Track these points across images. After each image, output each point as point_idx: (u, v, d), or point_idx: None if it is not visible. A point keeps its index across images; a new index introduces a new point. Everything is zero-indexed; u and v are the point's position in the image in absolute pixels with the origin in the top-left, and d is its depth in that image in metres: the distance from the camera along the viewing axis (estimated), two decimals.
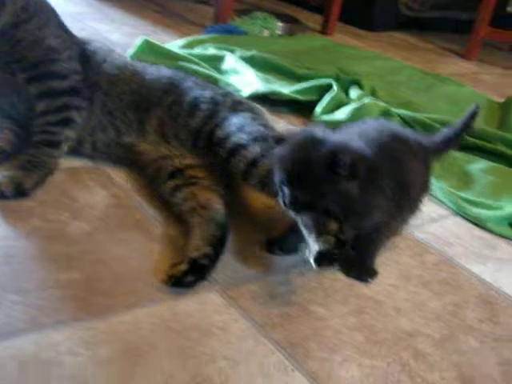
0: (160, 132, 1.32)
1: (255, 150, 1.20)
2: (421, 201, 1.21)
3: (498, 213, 1.43)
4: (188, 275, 1.02)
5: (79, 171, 1.31)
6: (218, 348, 0.91)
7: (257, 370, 0.88)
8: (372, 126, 1.18)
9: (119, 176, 1.32)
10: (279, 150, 1.02)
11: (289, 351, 0.93)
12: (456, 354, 0.99)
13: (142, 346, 0.88)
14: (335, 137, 1.04)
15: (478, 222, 1.42)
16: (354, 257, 1.15)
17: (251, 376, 0.87)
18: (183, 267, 1.02)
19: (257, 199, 1.30)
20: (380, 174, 1.04)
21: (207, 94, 1.35)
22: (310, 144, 1.00)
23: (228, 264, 1.10)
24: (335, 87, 1.92)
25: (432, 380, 0.93)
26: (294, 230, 1.11)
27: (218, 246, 1.09)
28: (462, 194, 1.50)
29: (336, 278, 1.13)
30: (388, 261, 1.21)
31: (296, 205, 0.99)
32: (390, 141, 1.12)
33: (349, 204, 1.01)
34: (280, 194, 1.01)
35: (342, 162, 0.96)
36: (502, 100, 2.42)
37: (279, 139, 1.05)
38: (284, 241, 1.16)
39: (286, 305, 1.03)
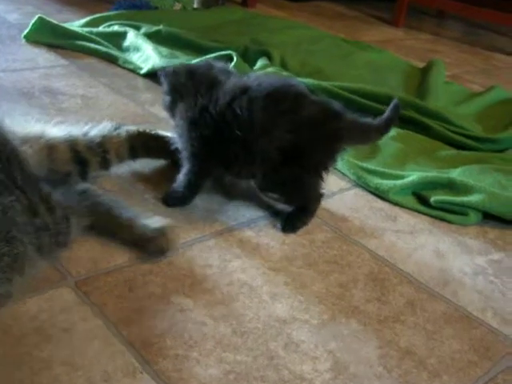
0: None
1: None
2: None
3: (399, 182, 1.34)
4: None
5: None
6: (57, 353, 0.80)
7: (99, 374, 0.78)
8: None
9: None
10: None
11: (140, 351, 0.83)
12: (334, 340, 0.90)
13: None
14: None
15: (378, 193, 1.33)
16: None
17: (90, 383, 0.77)
18: None
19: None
20: None
21: None
22: None
23: (86, 254, 0.99)
24: (235, 58, 1.82)
25: (300, 372, 0.84)
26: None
27: None
28: (364, 165, 1.41)
29: (208, 263, 1.03)
30: (272, 241, 1.11)
31: None
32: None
33: None
34: None
35: None
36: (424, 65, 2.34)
37: None
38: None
39: (146, 297, 0.92)
